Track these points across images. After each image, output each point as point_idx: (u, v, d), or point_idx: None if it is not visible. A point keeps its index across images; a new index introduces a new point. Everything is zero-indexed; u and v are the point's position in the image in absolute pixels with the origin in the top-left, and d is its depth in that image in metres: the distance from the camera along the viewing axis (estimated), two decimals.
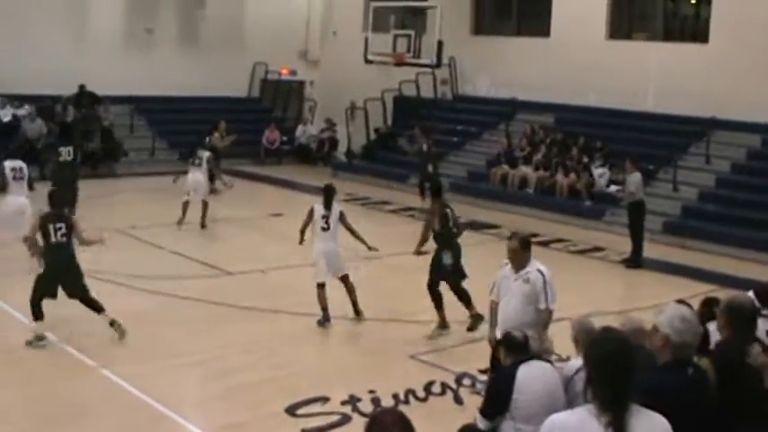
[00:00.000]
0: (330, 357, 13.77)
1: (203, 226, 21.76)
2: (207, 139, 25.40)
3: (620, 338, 5.30)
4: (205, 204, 21.84)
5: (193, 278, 17.07)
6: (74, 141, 23.07)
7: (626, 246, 20.49)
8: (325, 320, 14.53)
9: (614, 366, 4.96)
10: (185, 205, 21.70)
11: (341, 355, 13.94)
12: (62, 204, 14.29)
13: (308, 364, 13.15)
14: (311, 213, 15.09)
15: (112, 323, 13.30)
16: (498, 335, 9.58)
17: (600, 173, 25.75)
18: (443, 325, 14.33)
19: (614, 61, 28.04)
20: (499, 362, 9.36)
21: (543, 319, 9.90)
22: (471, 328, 14.02)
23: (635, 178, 20.25)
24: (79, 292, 13.34)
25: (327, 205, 15.14)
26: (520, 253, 10.03)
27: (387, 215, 25.21)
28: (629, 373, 4.95)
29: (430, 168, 25.99)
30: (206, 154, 22.64)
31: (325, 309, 14.60)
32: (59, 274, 13.24)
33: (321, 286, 14.77)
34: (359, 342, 14.24)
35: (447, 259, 14.47)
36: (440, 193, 15.67)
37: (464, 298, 14.27)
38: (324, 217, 14.96)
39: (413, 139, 28.56)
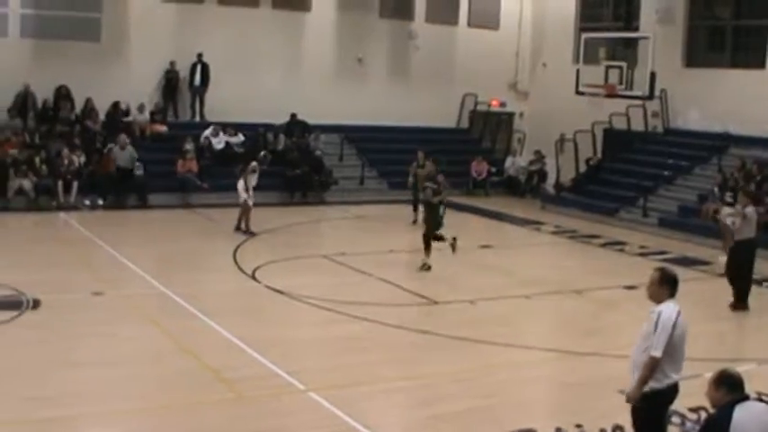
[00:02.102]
0: (537, 390, 13.58)
1: (239, 228, 23.84)
2: None
3: None
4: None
5: (401, 306, 17.15)
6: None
7: None
8: None
9: None
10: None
11: (548, 387, 13.75)
12: None
13: (515, 395, 12.99)
14: None
15: None
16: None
17: None
18: None
19: None
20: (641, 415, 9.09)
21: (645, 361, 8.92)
22: None
23: (748, 213, 18.25)
24: None
25: None
26: (654, 286, 9.17)
27: (595, 249, 24.79)
28: None
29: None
30: (252, 164, 24.57)
31: None
32: None
33: None
34: (566, 375, 14.00)
35: None
36: None
37: None
38: None
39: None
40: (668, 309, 9.01)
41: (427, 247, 20.50)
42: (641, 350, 9.01)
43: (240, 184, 23.99)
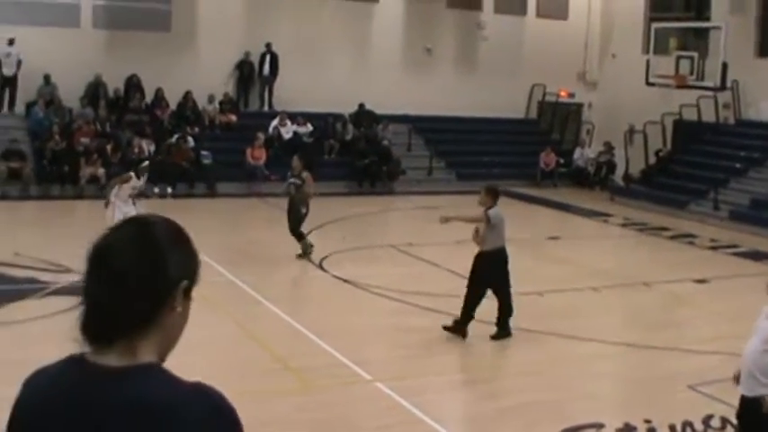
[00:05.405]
0: (606, 384, 13.48)
1: None
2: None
3: None
4: None
5: None
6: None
7: None
8: None
9: None
10: None
11: (617, 382, 13.64)
12: None
13: (582, 388, 12.89)
14: None
15: None
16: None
17: None
18: None
19: None
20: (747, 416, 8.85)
21: None
22: None
23: (493, 216, 14.32)
24: None
25: None
26: None
27: (664, 241, 24.55)
28: None
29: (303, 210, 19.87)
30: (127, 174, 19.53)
31: None
32: None
33: None
34: (636, 370, 13.87)
35: None
36: None
37: None
38: None
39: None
40: None
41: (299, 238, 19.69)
42: (758, 351, 8.53)
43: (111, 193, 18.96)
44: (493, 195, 14.49)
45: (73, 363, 2.75)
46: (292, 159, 20.51)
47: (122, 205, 18.39)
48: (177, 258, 2.84)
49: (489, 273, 14.39)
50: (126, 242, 2.77)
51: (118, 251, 2.74)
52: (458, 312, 14.72)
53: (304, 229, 19.79)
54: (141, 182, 19.21)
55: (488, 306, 16.22)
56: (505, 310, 14.57)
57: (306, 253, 19.54)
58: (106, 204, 18.65)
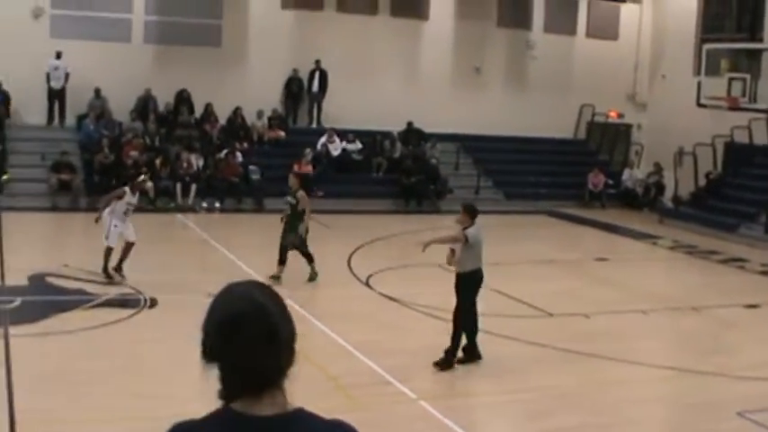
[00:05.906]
0: (652, 409, 13.30)
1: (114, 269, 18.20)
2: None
3: None
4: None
5: (514, 317, 16.99)
6: None
7: None
8: None
9: None
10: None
11: (664, 407, 13.46)
12: None
13: (629, 413, 12.74)
14: None
15: None
16: None
17: None
18: None
19: None
20: None
21: None
22: None
23: (471, 236, 13.76)
24: None
25: None
26: None
27: (714, 265, 24.26)
28: None
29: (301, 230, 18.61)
30: (122, 189, 18.78)
31: None
32: None
33: None
34: (683, 396, 13.69)
35: None
36: None
37: None
38: None
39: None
40: None
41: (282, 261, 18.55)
42: None
43: (105, 212, 18.20)
44: (471, 214, 13.96)
45: (223, 415, 3.22)
46: (288, 177, 19.96)
47: (119, 222, 18.03)
48: (286, 322, 3.31)
49: (466, 294, 14.00)
50: (253, 315, 3.22)
51: (248, 323, 3.20)
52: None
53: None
54: (135, 198, 18.59)
55: (533, 326, 16.18)
56: (466, 333, 13.98)
57: (277, 277, 18.14)
58: (96, 220, 18.24)
